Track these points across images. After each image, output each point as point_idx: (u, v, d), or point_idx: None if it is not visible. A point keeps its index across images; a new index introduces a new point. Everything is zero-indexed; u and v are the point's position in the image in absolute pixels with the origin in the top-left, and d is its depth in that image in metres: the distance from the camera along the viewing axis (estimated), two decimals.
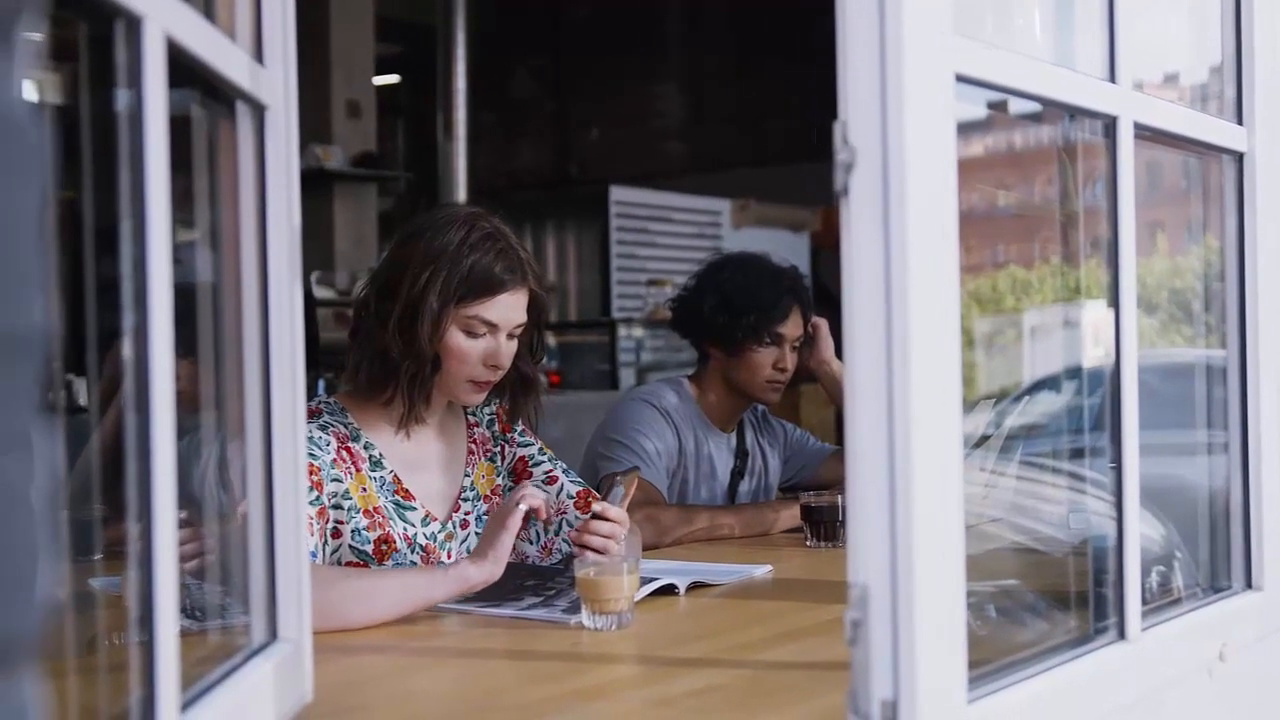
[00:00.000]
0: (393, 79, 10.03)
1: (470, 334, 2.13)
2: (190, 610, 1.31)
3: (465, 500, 2.27)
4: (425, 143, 9.19)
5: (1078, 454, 1.83)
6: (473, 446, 2.32)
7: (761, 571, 2.30)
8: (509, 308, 2.15)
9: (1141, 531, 1.52)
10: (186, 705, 1.07)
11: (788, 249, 6.81)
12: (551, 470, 2.34)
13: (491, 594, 2.01)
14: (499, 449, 2.35)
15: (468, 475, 2.29)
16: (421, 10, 8.77)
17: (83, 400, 2.56)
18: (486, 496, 2.30)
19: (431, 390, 2.18)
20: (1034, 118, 1.67)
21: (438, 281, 2.09)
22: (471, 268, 2.10)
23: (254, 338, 1.33)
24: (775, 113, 9.23)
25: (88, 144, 1.04)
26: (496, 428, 2.36)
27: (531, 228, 8.72)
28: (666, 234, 8.25)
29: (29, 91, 0.62)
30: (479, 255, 2.11)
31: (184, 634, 1.04)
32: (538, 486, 2.24)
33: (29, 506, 0.58)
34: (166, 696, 0.99)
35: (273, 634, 1.34)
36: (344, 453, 2.13)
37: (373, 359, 2.15)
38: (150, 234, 0.98)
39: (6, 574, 0.57)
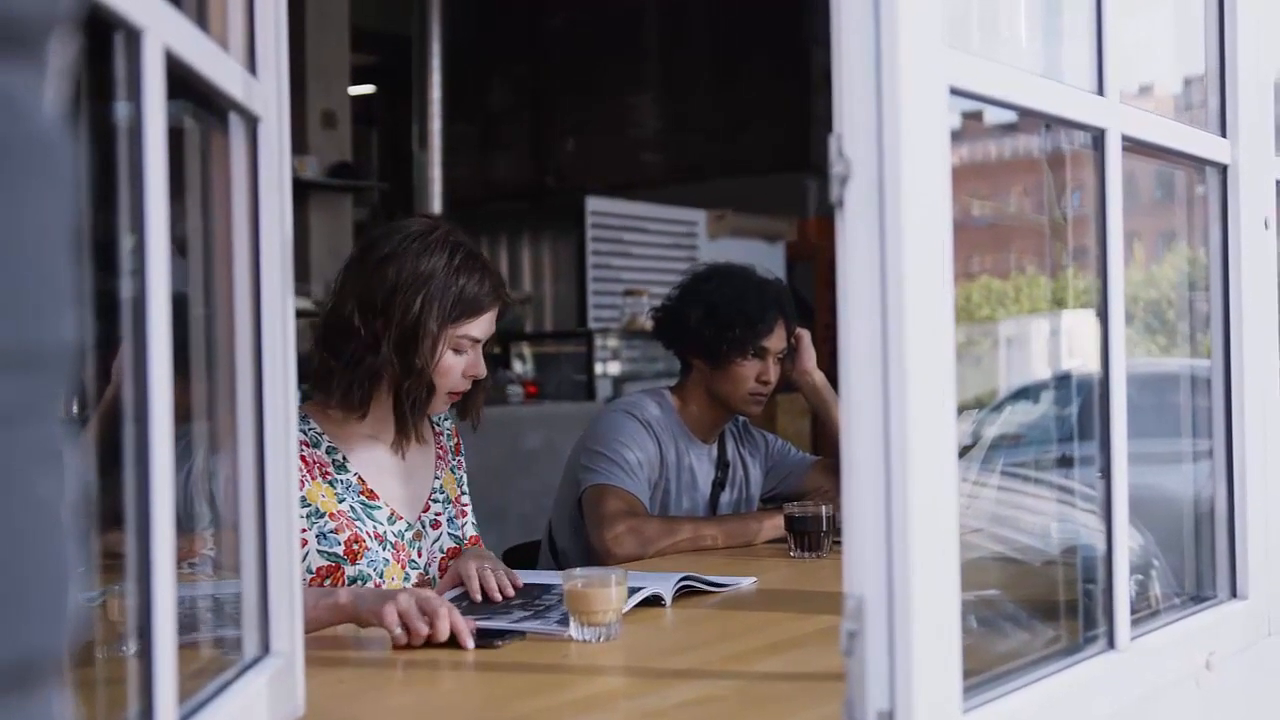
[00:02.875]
0: (368, 89, 10.02)
1: (457, 351, 2.22)
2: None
3: (436, 501, 2.35)
4: (401, 153, 9.18)
5: (1059, 464, 1.84)
6: (440, 452, 2.40)
7: (748, 583, 2.30)
8: (490, 322, 2.27)
9: None
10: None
11: (763, 260, 6.80)
12: (467, 505, 2.44)
13: (482, 609, 2.01)
14: (456, 462, 2.45)
15: (438, 478, 2.37)
16: (397, 20, 8.75)
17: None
18: (454, 500, 2.39)
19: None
20: (1008, 128, 1.68)
21: (434, 306, 2.17)
22: (463, 290, 2.20)
23: (246, 348, 1.32)
24: (752, 124, 9.26)
25: (82, 155, 1.03)
26: (453, 442, 2.45)
27: (507, 238, 8.71)
28: (643, 244, 8.25)
29: (58, 105, 0.62)
30: (466, 278, 2.21)
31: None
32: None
33: (60, 521, 0.58)
34: (165, 711, 0.99)
35: (265, 648, 1.34)
36: (300, 460, 2.16)
37: (364, 380, 2.19)
38: (150, 246, 0.97)
39: (38, 590, 0.57)
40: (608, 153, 9.85)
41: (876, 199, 1.14)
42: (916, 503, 1.13)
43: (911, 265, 1.14)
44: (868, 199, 1.15)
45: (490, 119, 10.36)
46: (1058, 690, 1.38)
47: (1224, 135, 1.79)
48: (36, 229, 0.58)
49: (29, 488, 0.57)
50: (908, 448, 1.13)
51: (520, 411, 6.36)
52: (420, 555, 2.28)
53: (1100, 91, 1.50)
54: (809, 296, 7.73)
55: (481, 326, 2.24)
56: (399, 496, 2.28)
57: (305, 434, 2.20)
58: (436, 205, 8.61)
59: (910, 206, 1.14)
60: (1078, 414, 1.77)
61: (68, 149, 0.62)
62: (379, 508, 2.23)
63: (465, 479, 2.46)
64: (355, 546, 2.17)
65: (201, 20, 1.22)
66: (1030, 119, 1.55)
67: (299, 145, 7.28)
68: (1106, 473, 1.50)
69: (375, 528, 2.21)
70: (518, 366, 7.49)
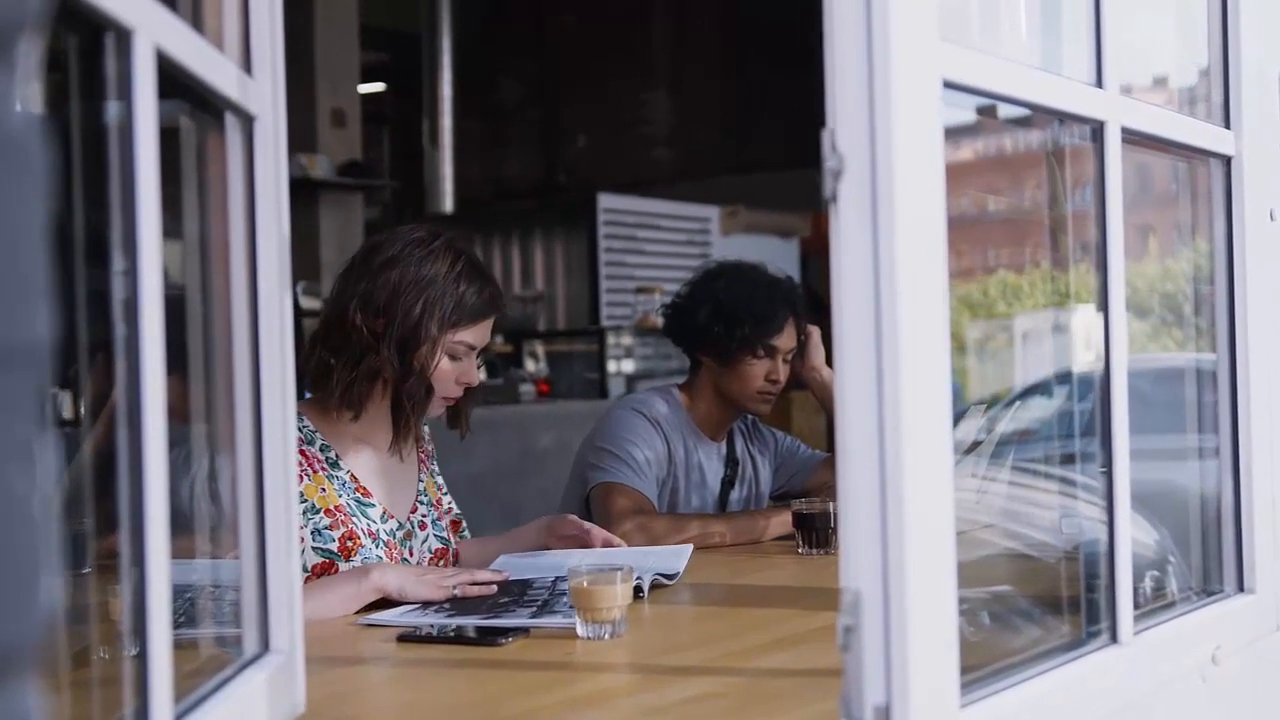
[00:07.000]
0: (378, 87, 10.02)
1: (453, 357, 2.26)
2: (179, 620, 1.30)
3: (421, 504, 2.38)
4: (411, 151, 9.18)
5: (1069, 459, 1.84)
6: (423, 457, 2.44)
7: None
8: (486, 331, 2.30)
9: (1134, 537, 1.53)
10: (179, 717, 1.06)
11: (777, 256, 6.81)
12: (452, 503, 2.50)
13: (482, 610, 1.99)
14: (434, 468, 2.48)
15: (421, 481, 2.41)
16: (407, 18, 8.75)
17: (67, 414, 2.55)
18: (436, 503, 2.42)
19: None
20: (1023, 122, 1.67)
21: (435, 310, 2.21)
22: (462, 296, 2.23)
23: (244, 349, 1.33)
24: (763, 119, 9.25)
25: (76, 155, 1.04)
26: (430, 448, 2.49)
27: (519, 236, 8.71)
28: (655, 241, 8.25)
29: (29, 105, 0.62)
30: (467, 285, 2.24)
31: (175, 645, 1.04)
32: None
33: (31, 516, 0.59)
34: (160, 708, 0.99)
35: (265, 645, 1.34)
36: (299, 456, 2.18)
37: (363, 379, 2.22)
38: (141, 246, 0.98)
39: (9, 584, 0.57)
40: (619, 150, 9.85)
41: (869, 194, 1.14)
42: (912, 496, 1.13)
43: (904, 260, 1.14)
44: (861, 193, 1.15)
45: (501, 116, 10.36)
46: (1058, 685, 1.38)
47: (1228, 127, 1.79)
48: (9, 227, 0.59)
49: (2, 482, 0.57)
50: (902, 441, 1.13)
51: (533, 410, 6.36)
52: (411, 554, 2.32)
53: (1099, 84, 1.49)
54: (823, 293, 7.72)
55: (477, 334, 2.27)
56: (389, 495, 2.32)
57: (301, 431, 2.22)
58: (448, 203, 8.62)
59: (903, 201, 1.14)
60: (1090, 409, 1.76)
61: (40, 148, 0.62)
62: (372, 505, 2.27)
63: (441, 480, 2.49)
64: (350, 543, 2.20)
65: (196, 20, 1.22)
66: (1041, 114, 1.54)
67: (309, 144, 7.29)
68: (1108, 465, 1.50)
69: (369, 525, 2.24)
70: (530, 365, 7.49)
